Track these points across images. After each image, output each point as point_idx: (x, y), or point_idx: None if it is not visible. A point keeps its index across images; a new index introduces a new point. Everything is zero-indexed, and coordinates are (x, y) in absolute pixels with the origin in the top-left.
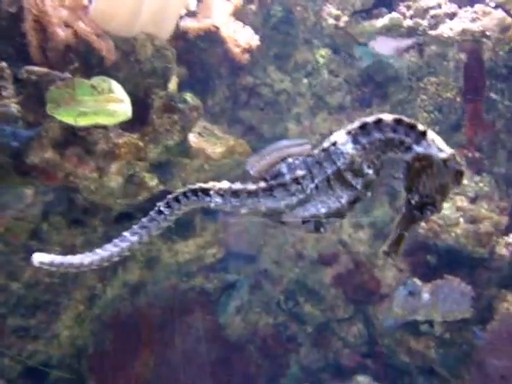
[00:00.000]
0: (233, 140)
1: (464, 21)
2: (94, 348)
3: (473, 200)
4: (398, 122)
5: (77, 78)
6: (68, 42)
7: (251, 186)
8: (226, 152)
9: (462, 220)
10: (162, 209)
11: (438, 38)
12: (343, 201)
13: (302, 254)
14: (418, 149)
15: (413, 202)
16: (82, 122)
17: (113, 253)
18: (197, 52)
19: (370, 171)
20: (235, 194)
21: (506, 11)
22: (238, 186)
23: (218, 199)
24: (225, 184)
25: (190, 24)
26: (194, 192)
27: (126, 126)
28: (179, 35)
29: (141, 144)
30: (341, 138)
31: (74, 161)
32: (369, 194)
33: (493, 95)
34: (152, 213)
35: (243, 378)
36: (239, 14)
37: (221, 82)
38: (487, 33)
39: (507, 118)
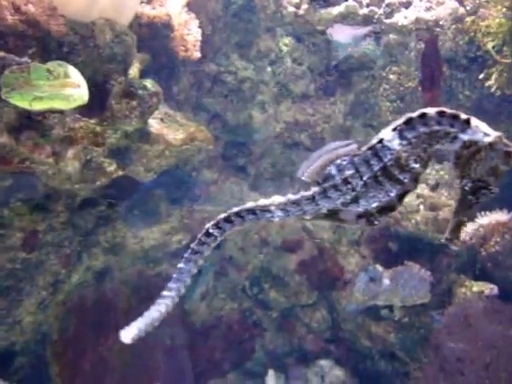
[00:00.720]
0: (193, 127)
1: (418, 10)
2: (58, 334)
3: (433, 187)
4: (441, 114)
5: (33, 62)
6: (17, 26)
7: (307, 193)
8: (187, 138)
9: (422, 207)
10: (211, 231)
11: (395, 27)
12: (392, 195)
13: (266, 241)
14: (464, 137)
15: (467, 188)
16: (37, 106)
17: (179, 287)
18: (160, 38)
19: (417, 165)
20: (295, 203)
21: (459, 1)
22: (295, 195)
23: (280, 213)
24: (280, 198)
25: (145, 11)
26: (251, 211)
27: (85, 111)
28: (143, 21)
29: (98, 129)
30: (387, 135)
31: (29, 145)
32: (417, 185)
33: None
34: (200, 236)
35: (208, 364)
36: (199, 1)
37: (185, 69)
38: (440, 22)
39: (467, 108)
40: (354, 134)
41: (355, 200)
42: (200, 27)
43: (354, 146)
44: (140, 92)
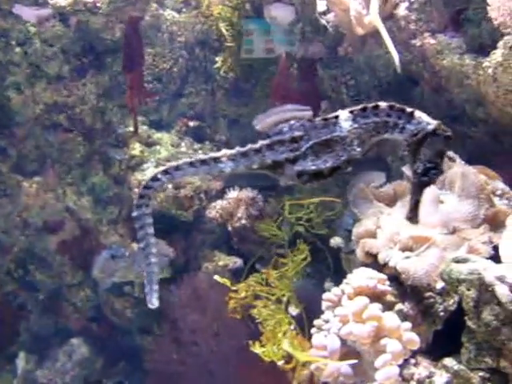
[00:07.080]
0: None
1: None
2: None
3: None
4: (391, 107)
5: None
6: None
7: (255, 145)
8: None
9: (170, 186)
10: (159, 176)
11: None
12: (327, 165)
13: (27, 222)
14: (411, 127)
15: (419, 171)
16: None
17: (147, 232)
18: None
19: (358, 149)
20: (244, 154)
21: None
22: (244, 147)
23: (231, 163)
24: (230, 150)
25: None
26: (204, 162)
27: None
28: None
29: None
30: (343, 114)
31: None
32: (349, 168)
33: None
34: (148, 181)
35: None
36: None
37: None
38: (98, 4)
39: (225, 89)
40: (109, 116)
41: (297, 159)
42: None
43: (310, 113)
44: None
